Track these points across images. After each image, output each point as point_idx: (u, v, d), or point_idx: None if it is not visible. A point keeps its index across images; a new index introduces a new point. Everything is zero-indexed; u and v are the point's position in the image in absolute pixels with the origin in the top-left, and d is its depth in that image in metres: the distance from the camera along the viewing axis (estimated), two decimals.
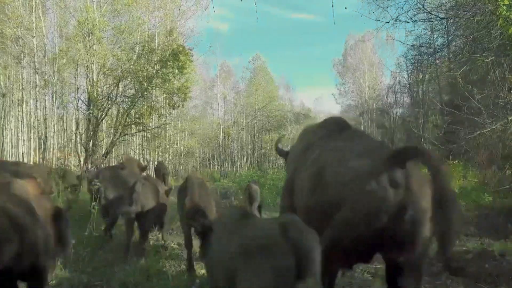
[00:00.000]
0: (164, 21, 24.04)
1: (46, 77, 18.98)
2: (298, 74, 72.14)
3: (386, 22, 10.00)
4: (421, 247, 2.72)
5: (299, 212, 3.19)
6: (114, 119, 19.27)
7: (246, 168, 34.17)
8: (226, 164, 36.93)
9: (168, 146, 26.98)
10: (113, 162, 20.92)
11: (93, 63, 18.03)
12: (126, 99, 18.72)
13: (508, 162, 10.37)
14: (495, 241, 6.65)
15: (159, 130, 23.86)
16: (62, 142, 23.41)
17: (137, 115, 19.06)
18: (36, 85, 19.25)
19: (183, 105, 20.98)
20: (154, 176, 12.85)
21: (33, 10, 18.57)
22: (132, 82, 18.63)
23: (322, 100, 64.41)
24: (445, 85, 20.62)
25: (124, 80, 18.40)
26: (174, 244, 6.84)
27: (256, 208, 8.46)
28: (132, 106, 18.55)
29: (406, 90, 31.78)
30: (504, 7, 6.10)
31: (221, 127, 38.03)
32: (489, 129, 8.58)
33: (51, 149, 19.84)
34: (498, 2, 6.16)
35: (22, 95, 20.25)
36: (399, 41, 16.09)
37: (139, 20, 20.89)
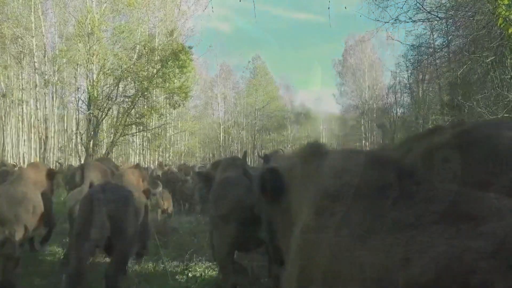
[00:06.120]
0: (164, 21, 24.05)
1: (46, 77, 18.99)
2: (298, 74, 72.12)
3: (385, 22, 10.03)
4: None
5: None
6: (115, 119, 19.28)
7: None
8: None
9: (168, 146, 27.00)
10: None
11: (93, 63, 18.04)
12: (127, 99, 18.73)
13: None
14: None
15: (160, 130, 23.88)
16: (63, 142, 23.43)
17: (137, 115, 19.06)
18: (36, 85, 19.26)
19: (183, 105, 21.00)
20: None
21: (32, 10, 18.55)
22: (132, 82, 18.64)
23: (322, 100, 64.32)
24: (445, 85, 20.61)
25: (124, 80, 18.41)
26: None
27: None
28: (132, 106, 18.55)
29: (406, 90, 31.77)
30: (504, 7, 6.11)
31: (222, 127, 38.04)
32: None
33: (52, 149, 19.87)
34: (497, 2, 6.18)
35: (22, 95, 20.26)
36: (399, 41, 16.12)
37: (139, 20, 20.91)
